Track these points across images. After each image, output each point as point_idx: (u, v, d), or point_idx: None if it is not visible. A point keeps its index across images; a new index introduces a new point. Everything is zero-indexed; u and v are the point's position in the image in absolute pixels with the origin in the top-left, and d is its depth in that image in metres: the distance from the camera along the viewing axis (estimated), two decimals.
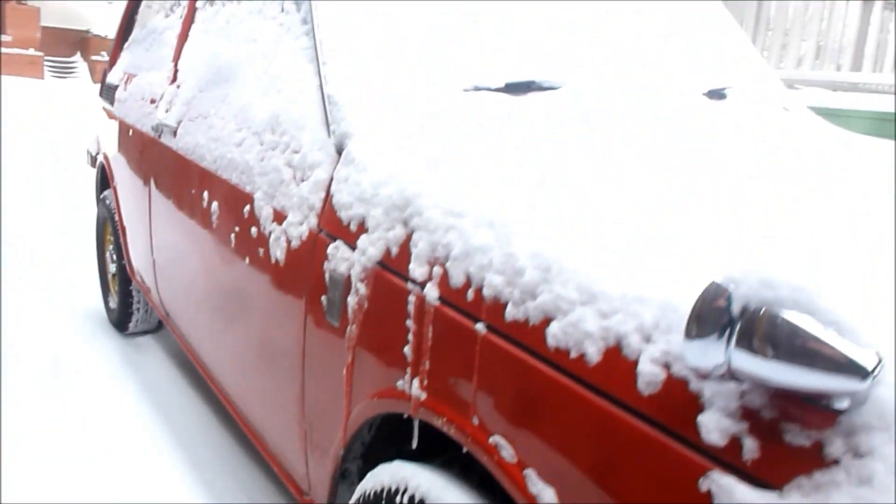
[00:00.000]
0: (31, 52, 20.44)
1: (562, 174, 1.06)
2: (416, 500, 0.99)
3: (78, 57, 22.60)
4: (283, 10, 1.61)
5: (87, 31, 22.80)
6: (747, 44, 2.04)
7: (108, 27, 23.62)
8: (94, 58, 22.34)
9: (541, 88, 1.38)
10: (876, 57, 5.03)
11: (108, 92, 2.91)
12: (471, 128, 1.24)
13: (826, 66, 5.20)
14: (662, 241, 0.84)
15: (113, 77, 2.88)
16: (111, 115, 2.82)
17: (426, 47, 1.40)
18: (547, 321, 0.82)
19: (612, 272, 0.80)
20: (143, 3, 2.83)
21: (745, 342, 0.58)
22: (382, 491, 1.07)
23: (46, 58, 21.19)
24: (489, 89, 1.34)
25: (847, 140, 1.57)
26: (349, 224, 1.19)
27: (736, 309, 0.59)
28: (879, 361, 0.55)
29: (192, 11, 2.14)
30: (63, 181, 5.77)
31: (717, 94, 1.61)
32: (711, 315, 0.60)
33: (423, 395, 0.99)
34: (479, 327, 0.91)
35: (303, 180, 1.34)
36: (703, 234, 0.87)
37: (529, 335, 0.84)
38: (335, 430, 1.22)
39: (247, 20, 1.78)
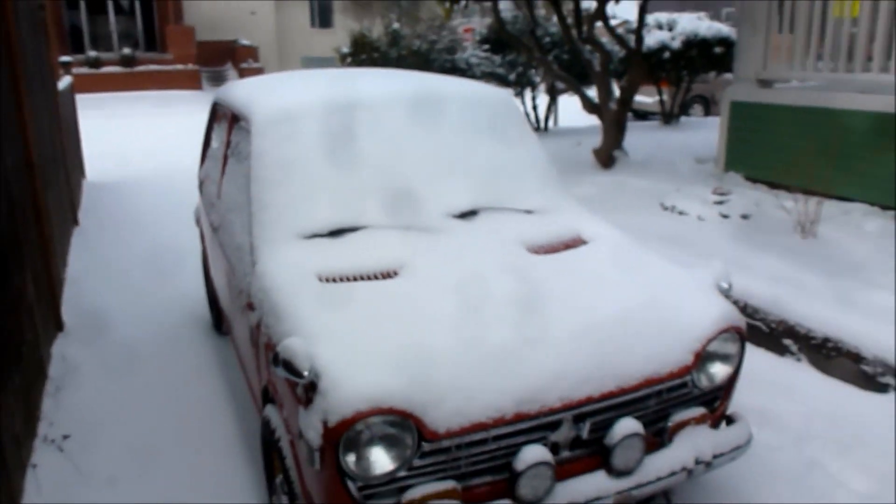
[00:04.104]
0: (190, 66, 23.32)
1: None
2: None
3: (228, 65, 25.42)
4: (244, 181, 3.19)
5: (235, 42, 25.56)
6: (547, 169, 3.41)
7: (251, 37, 26.35)
8: (242, 65, 25.03)
9: (351, 230, 2.87)
10: None
11: (200, 183, 4.64)
12: (311, 263, 2.74)
13: None
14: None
15: (201, 174, 4.60)
16: (201, 198, 4.55)
17: (299, 205, 2.93)
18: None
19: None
20: (214, 127, 4.50)
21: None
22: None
23: (202, 69, 24.08)
24: (319, 235, 2.85)
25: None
26: (252, 303, 2.75)
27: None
28: (310, 373, 2.05)
29: (224, 158, 3.77)
30: None
31: (468, 214, 3.03)
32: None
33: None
34: (262, 341, 2.45)
35: (245, 275, 2.92)
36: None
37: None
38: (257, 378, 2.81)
39: (238, 180, 3.37)
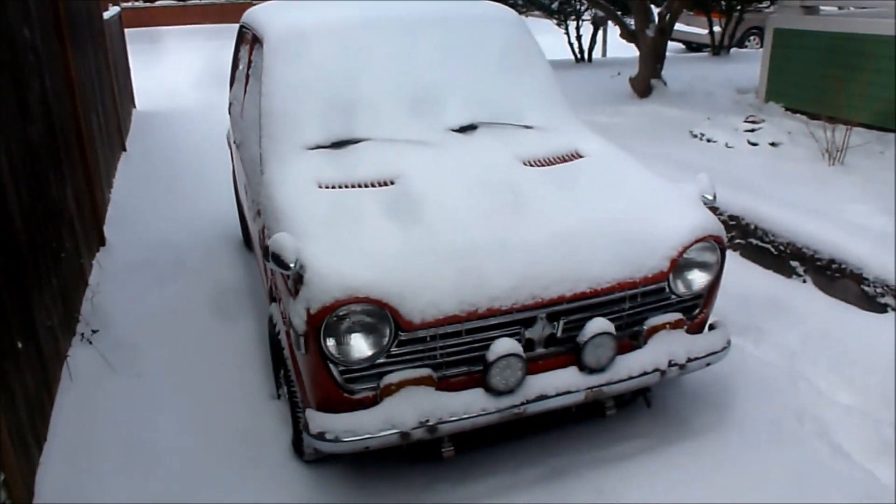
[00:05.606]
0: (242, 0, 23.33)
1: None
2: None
3: None
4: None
5: None
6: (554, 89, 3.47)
7: None
8: None
9: (354, 142, 3.02)
10: None
11: (229, 105, 4.83)
12: (313, 171, 2.91)
13: None
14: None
15: (231, 96, 4.79)
16: (230, 119, 4.75)
17: (305, 118, 3.08)
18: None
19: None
20: (240, 50, 4.66)
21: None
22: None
23: (255, 2, 24.12)
24: (323, 146, 3.01)
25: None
26: (260, 209, 2.94)
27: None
28: (296, 265, 2.23)
29: (246, 78, 3.93)
30: None
31: (468, 129, 3.15)
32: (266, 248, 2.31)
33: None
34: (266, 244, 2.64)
35: (256, 184, 3.11)
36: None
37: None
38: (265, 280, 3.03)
39: (255, 97, 3.54)
